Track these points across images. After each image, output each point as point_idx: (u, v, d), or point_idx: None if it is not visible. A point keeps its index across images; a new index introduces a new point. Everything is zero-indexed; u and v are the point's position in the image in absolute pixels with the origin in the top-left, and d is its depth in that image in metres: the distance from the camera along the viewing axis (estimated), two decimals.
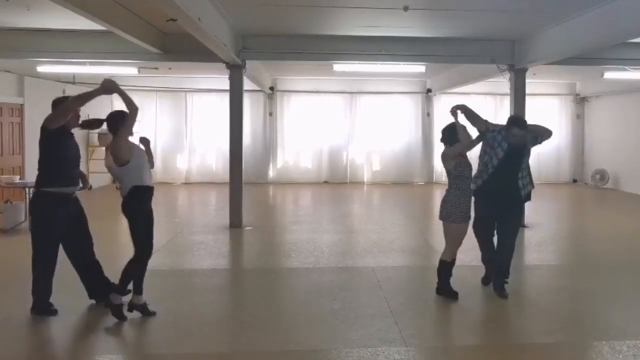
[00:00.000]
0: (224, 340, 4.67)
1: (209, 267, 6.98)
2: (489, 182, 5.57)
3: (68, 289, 5.34)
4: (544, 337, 4.73)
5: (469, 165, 5.49)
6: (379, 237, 8.78)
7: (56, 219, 4.95)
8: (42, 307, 4.99)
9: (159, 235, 8.75)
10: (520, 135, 5.52)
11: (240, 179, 9.74)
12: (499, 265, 5.69)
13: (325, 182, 16.85)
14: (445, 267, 5.58)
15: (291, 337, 4.66)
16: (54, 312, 4.98)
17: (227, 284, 6.58)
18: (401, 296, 5.72)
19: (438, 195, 15.22)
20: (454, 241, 5.53)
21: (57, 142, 4.99)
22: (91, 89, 4.92)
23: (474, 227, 5.75)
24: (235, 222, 9.51)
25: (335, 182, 16.77)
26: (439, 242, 8.38)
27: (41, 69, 11.29)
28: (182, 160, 16.71)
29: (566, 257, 8.07)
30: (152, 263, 6.03)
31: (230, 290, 6.31)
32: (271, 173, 16.90)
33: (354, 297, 5.63)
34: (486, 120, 5.82)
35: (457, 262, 5.63)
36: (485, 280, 5.93)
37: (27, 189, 9.33)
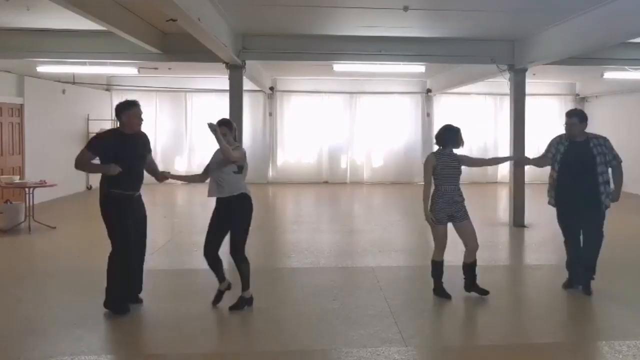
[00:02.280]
0: (224, 340, 4.67)
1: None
2: (561, 190, 5.64)
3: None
4: (544, 337, 4.72)
5: (449, 166, 5.42)
6: (379, 237, 8.77)
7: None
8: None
9: (159, 235, 8.78)
10: (569, 124, 5.59)
11: None
12: (585, 262, 5.67)
13: (325, 182, 16.85)
14: (433, 267, 5.62)
15: (291, 337, 4.65)
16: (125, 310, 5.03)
17: None
18: (401, 296, 5.72)
19: None
20: (434, 240, 5.59)
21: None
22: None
23: (562, 230, 5.87)
24: None
25: (335, 182, 16.77)
26: None
27: (41, 69, 11.29)
28: (181, 160, 16.69)
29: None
30: (152, 263, 6.05)
31: (230, 290, 6.30)
32: (271, 173, 16.90)
33: (354, 297, 5.63)
34: (545, 155, 5.86)
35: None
36: (566, 284, 5.88)
37: (27, 189, 9.33)
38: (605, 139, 5.72)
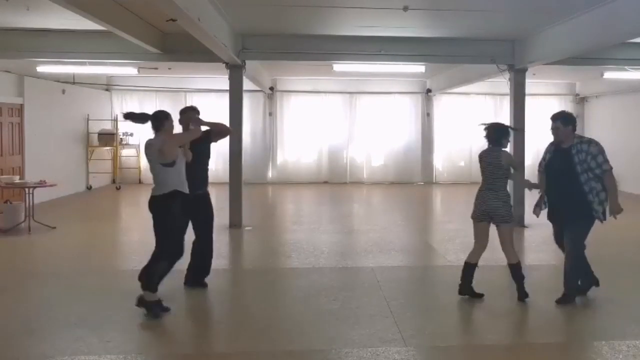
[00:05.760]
0: (224, 340, 4.67)
1: None
2: (548, 200, 5.46)
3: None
4: (544, 337, 4.73)
5: (488, 164, 5.39)
6: (379, 237, 8.77)
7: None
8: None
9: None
10: (553, 128, 5.28)
11: (240, 179, 9.74)
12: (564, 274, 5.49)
13: (325, 182, 16.83)
14: (465, 267, 5.55)
15: (291, 337, 4.65)
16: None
17: (227, 284, 6.58)
18: (401, 296, 5.72)
19: (438, 195, 15.29)
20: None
21: None
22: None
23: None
24: (235, 222, 9.51)
25: (335, 182, 16.76)
26: (439, 242, 8.42)
27: (41, 69, 11.29)
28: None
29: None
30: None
31: (230, 290, 6.30)
32: (271, 173, 16.90)
33: (354, 297, 5.63)
34: (539, 171, 5.59)
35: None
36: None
37: (27, 189, 9.32)
38: (590, 144, 5.20)
